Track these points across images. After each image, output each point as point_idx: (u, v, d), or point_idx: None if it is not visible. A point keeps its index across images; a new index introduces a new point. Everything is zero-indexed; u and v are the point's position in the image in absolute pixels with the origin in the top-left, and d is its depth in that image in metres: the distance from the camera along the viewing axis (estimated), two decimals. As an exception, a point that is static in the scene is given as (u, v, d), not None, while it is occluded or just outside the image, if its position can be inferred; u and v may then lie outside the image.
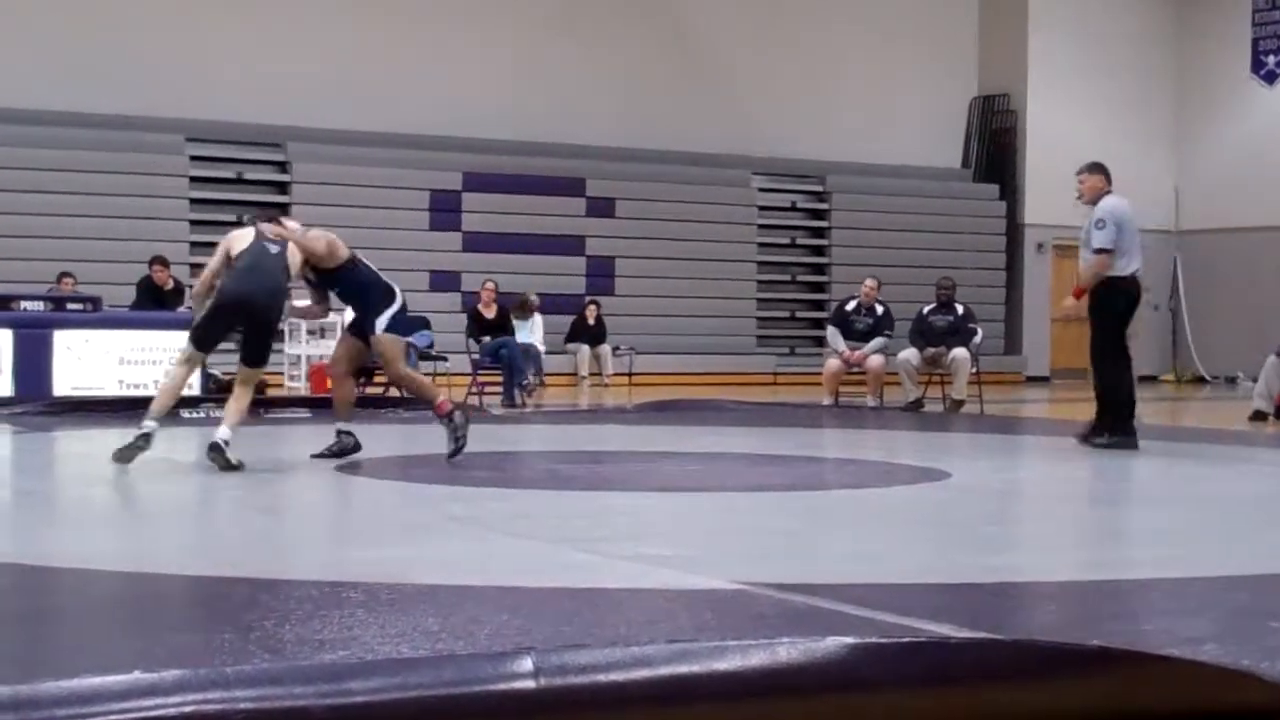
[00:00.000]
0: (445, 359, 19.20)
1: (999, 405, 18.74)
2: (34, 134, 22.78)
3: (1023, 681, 3.53)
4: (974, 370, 17.53)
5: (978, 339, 17.85)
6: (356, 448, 10.27)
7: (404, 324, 10.49)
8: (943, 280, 18.34)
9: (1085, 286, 11.85)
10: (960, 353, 17.31)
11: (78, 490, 9.33)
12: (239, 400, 9.77)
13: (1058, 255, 30.20)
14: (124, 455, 9.43)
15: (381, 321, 10.05)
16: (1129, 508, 8.65)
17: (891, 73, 29.16)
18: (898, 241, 28.04)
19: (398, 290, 10.31)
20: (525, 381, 18.94)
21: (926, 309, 18.01)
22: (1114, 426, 11.77)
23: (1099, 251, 11.68)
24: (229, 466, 9.29)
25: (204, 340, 10.00)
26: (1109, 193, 11.99)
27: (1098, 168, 12.27)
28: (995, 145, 30.17)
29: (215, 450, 9.35)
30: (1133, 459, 11.24)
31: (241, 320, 9.86)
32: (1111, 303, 11.77)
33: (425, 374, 16.01)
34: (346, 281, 10.27)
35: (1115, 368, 11.90)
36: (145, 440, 9.50)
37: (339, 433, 10.31)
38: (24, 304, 16.27)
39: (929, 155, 29.69)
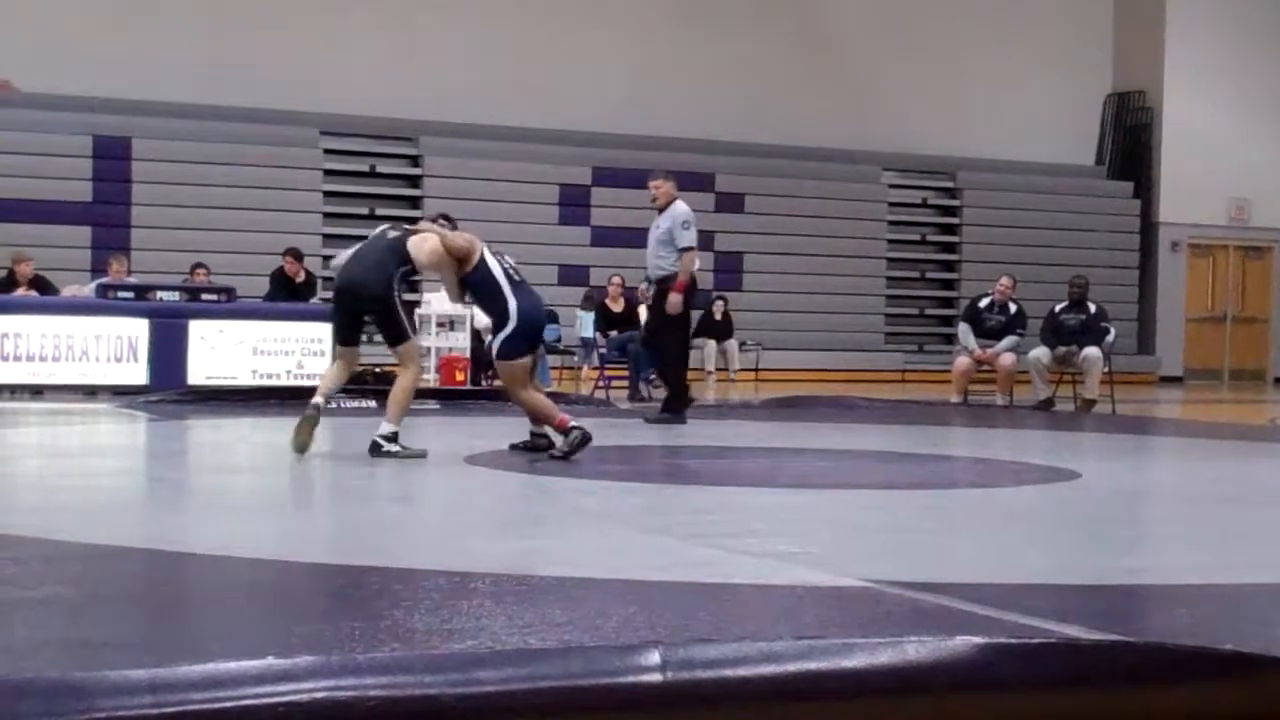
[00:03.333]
0: (573, 353, 19.30)
1: (1131, 405, 18.51)
2: (171, 127, 23.15)
3: (1153, 684, 3.49)
4: (1106, 370, 17.34)
5: (1110, 338, 17.64)
6: (549, 447, 10.14)
7: (520, 342, 9.90)
8: (1075, 279, 18.12)
9: (686, 282, 13.34)
10: (1092, 352, 17.13)
11: (211, 478, 9.46)
12: (395, 387, 9.93)
13: (1193, 254, 29.81)
14: (300, 441, 9.64)
15: (496, 346, 9.85)
16: (1263, 510, 8.51)
17: (1024, 69, 28.91)
18: (1029, 239, 27.81)
19: (513, 310, 9.81)
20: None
21: (1058, 307, 17.83)
22: (674, 405, 13.50)
23: (687, 250, 13.32)
24: (400, 454, 9.54)
25: (338, 335, 10.14)
26: (678, 198, 13.58)
27: (670, 175, 13.91)
28: (1130, 143, 29.81)
29: (374, 447, 9.61)
30: (1252, 460, 11.09)
31: (348, 303, 9.98)
32: (686, 297, 13.40)
33: (552, 367, 16.14)
34: (474, 289, 10.14)
35: (683, 354, 13.81)
36: (315, 411, 9.69)
37: (532, 434, 10.33)
38: (160, 294, 16.51)
39: (1062, 152, 29.38)
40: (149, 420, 13.17)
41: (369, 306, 9.86)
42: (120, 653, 4.07)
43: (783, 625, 4.59)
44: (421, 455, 9.65)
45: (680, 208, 13.45)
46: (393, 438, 9.64)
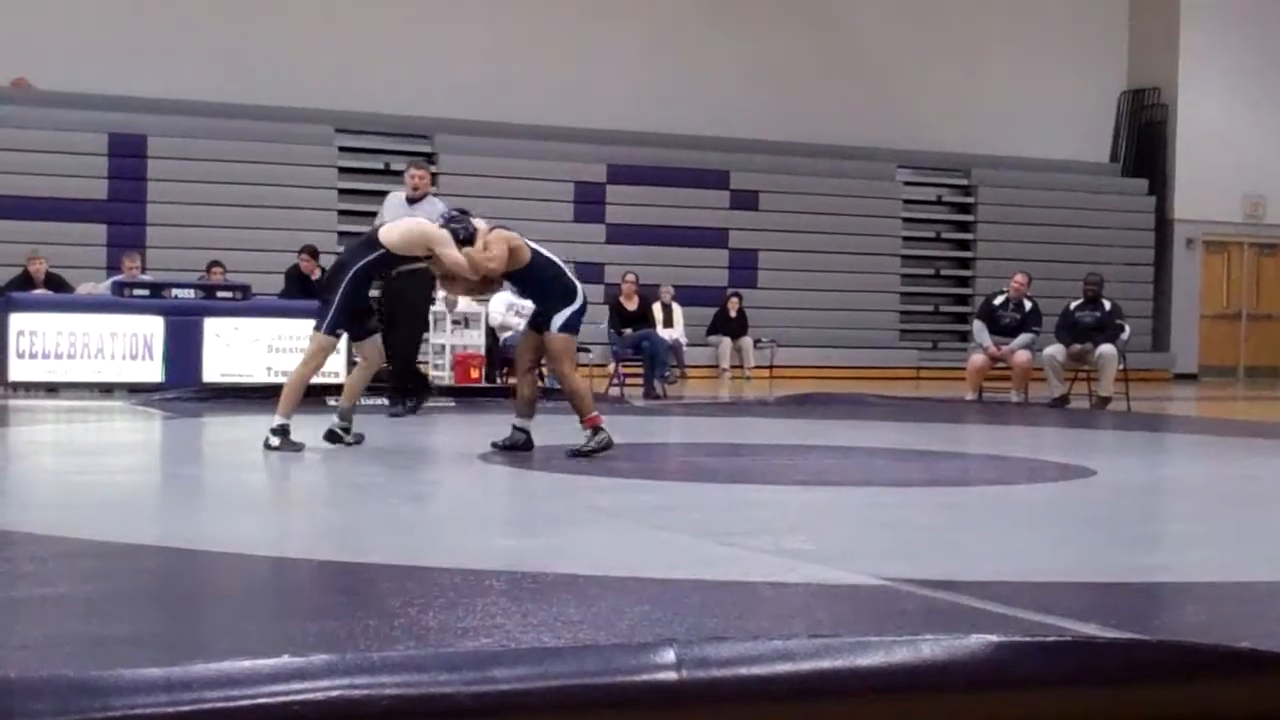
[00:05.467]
0: (588, 350, 19.29)
1: (1146, 402, 18.48)
2: (186, 125, 23.17)
3: (1170, 682, 3.47)
4: (1121, 367, 17.31)
5: (1125, 335, 17.62)
6: (527, 445, 10.09)
7: (580, 318, 10.11)
8: (1090, 276, 18.11)
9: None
10: (1107, 349, 17.11)
11: (226, 475, 9.46)
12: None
13: (1207, 251, 29.75)
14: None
15: (558, 320, 9.91)
16: (1278, 507, 8.49)
17: (1039, 66, 28.85)
18: (1044, 236, 27.76)
19: (578, 288, 10.10)
20: (666, 373, 18.98)
21: (1073, 305, 17.82)
22: (418, 394, 13.94)
23: None
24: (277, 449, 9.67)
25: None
26: (431, 192, 13.73)
27: (427, 166, 14.08)
28: (1144, 140, 29.73)
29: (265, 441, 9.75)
30: (1267, 458, 11.09)
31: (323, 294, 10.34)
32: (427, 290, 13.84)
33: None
34: (527, 279, 10.29)
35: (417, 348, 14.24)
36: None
37: (514, 428, 10.18)
38: (175, 292, 16.54)
39: (1077, 149, 29.32)
40: (164, 418, 13.19)
41: (324, 294, 10.05)
42: (135, 650, 4.08)
43: (798, 623, 4.58)
44: (298, 450, 9.70)
45: (439, 203, 13.11)
46: (278, 430, 9.72)
